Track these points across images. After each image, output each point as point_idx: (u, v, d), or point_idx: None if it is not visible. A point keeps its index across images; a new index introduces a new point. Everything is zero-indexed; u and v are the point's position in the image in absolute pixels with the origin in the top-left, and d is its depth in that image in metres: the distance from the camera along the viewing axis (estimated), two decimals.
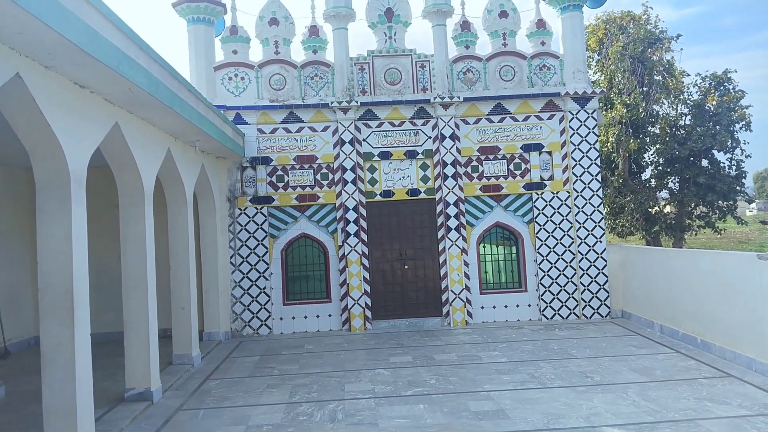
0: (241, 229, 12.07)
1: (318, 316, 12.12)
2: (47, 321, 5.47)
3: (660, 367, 8.30)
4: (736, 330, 8.35)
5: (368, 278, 12.17)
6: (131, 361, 7.48)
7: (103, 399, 7.34)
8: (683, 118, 18.70)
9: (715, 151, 17.88)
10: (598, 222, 12.33)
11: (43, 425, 5.38)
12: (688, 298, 9.61)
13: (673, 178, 18.72)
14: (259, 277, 12.00)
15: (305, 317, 12.10)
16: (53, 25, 4.36)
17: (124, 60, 5.66)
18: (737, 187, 18.13)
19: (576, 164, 12.39)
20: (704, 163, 18.09)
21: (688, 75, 19.13)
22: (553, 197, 12.40)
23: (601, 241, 12.29)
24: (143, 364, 7.46)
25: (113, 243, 9.71)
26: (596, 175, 12.40)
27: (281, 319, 12.06)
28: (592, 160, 12.40)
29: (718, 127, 17.53)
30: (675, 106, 18.99)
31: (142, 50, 6.17)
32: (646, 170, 19.33)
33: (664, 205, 20.08)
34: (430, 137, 12.39)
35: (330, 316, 12.13)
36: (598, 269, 12.25)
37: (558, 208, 12.38)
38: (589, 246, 12.27)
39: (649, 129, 18.28)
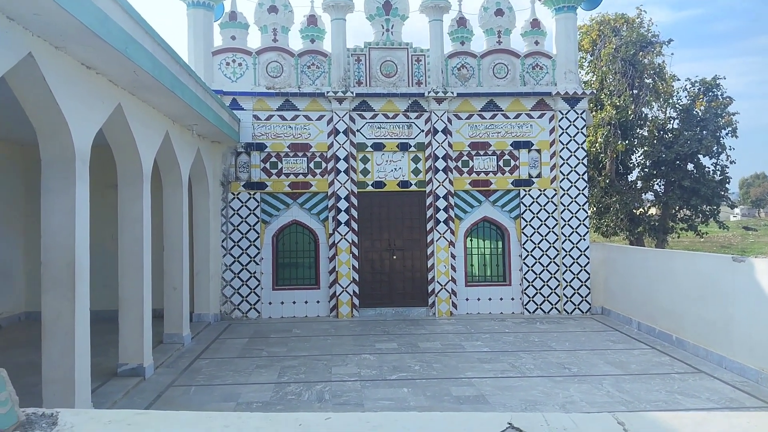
0: (234, 214, 12.25)
1: (306, 302, 12.35)
2: (49, 294, 5.65)
3: (635, 362, 8.63)
4: (709, 329, 8.70)
5: (357, 267, 12.41)
6: (125, 337, 7.66)
7: (96, 373, 7.48)
8: (671, 121, 19.06)
9: (700, 156, 18.22)
10: (583, 220, 12.65)
11: (42, 394, 5.57)
12: (665, 296, 9.96)
13: (658, 180, 19.09)
14: (250, 261, 12.19)
15: (294, 302, 12.33)
16: (67, 7, 4.53)
17: (131, 43, 5.83)
18: (721, 192, 18.50)
19: (564, 163, 12.69)
20: (690, 167, 18.46)
21: (678, 79, 19.49)
22: (540, 194, 12.70)
23: (584, 239, 12.62)
24: (137, 340, 7.66)
25: (105, 222, 9.95)
26: (583, 175, 12.70)
27: (270, 303, 12.28)
28: (579, 159, 12.70)
29: (704, 132, 17.89)
30: (664, 110, 19.34)
31: (147, 34, 6.34)
32: (633, 172, 19.67)
33: (649, 207, 20.46)
34: (422, 130, 12.62)
35: (318, 302, 12.37)
36: (581, 266, 12.58)
37: (544, 205, 12.68)
38: (573, 243, 12.59)
39: (637, 131, 18.59)
